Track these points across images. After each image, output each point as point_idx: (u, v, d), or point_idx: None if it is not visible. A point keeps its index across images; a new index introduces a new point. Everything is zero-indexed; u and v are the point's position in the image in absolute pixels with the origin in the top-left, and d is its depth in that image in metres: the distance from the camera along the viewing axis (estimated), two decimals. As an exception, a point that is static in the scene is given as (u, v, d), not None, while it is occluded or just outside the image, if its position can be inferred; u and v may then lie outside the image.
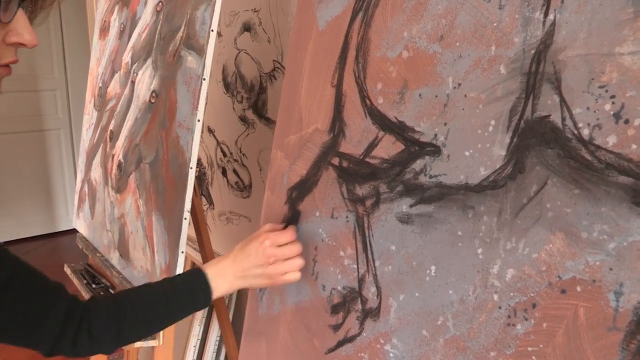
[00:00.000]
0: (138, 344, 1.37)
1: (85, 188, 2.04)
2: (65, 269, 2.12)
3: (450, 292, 0.77)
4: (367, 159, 0.89)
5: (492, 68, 0.71)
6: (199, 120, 1.24)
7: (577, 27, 0.62)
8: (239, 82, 1.98)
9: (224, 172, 2.13)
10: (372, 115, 0.88)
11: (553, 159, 0.64)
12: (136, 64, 1.63)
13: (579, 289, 0.61)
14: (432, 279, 0.79)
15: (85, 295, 1.90)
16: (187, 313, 0.98)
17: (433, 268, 0.79)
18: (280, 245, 0.99)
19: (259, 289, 1.16)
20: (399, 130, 0.84)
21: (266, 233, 1.00)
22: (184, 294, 0.95)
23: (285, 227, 1.04)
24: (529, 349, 0.66)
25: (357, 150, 0.91)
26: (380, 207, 0.87)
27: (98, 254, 1.85)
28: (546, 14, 0.65)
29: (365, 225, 0.90)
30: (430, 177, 0.79)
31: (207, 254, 1.71)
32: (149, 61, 1.54)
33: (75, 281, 2.03)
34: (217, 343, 2.12)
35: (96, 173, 1.92)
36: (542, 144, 0.65)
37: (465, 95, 0.74)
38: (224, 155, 2.12)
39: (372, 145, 0.88)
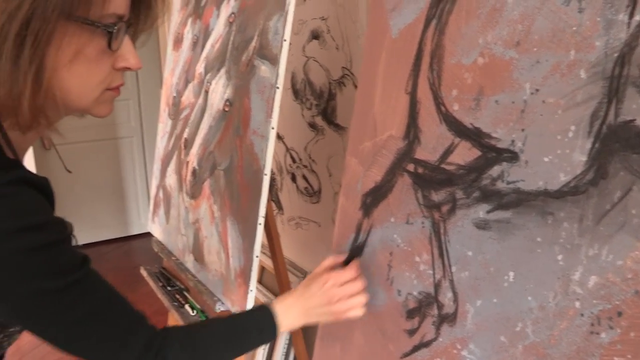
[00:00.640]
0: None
1: (160, 194, 2.11)
2: (141, 271, 2.20)
3: (529, 298, 0.76)
4: (442, 165, 0.89)
5: (571, 73, 0.71)
6: (273, 128, 1.27)
7: (663, 31, 0.61)
8: (307, 89, 2.01)
9: (294, 178, 2.17)
10: (448, 122, 0.89)
11: (639, 164, 0.63)
12: (209, 73, 1.69)
13: (667, 296, 0.60)
14: (510, 285, 0.79)
15: (161, 297, 1.96)
16: (254, 346, 1.01)
17: (511, 274, 0.79)
18: (343, 283, 1.02)
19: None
20: (475, 136, 0.84)
21: (328, 274, 1.03)
22: (252, 329, 0.98)
23: (347, 260, 1.08)
24: (615, 359, 0.65)
25: (432, 157, 0.92)
26: (456, 213, 0.87)
27: (173, 258, 1.92)
28: (631, 16, 0.64)
29: (442, 231, 0.90)
30: (508, 183, 0.79)
31: (278, 259, 1.74)
32: (222, 71, 1.59)
33: (151, 283, 2.10)
34: (286, 346, 2.15)
35: (171, 179, 1.98)
36: (626, 149, 0.64)
37: (544, 101, 0.74)
38: (293, 161, 2.15)
39: (448, 151, 0.88)
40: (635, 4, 0.64)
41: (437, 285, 0.92)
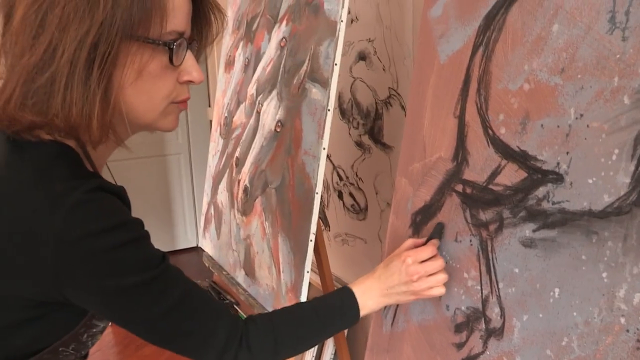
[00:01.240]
0: None
1: (212, 210, 2.19)
2: (192, 285, 2.27)
3: (574, 314, 0.80)
4: (490, 186, 0.94)
5: (615, 99, 0.75)
6: (324, 149, 1.32)
7: (702, 61, 0.65)
8: (354, 109, 2.06)
9: (340, 195, 2.22)
10: (495, 145, 0.93)
11: (679, 187, 0.66)
12: (261, 95, 1.76)
13: None
14: (556, 300, 0.82)
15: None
16: (336, 330, 1.01)
17: (557, 290, 0.82)
18: (422, 261, 1.00)
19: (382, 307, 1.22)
20: (521, 158, 0.88)
21: (407, 251, 1.02)
22: (334, 312, 0.99)
23: (426, 242, 1.05)
24: (659, 372, 0.68)
25: (480, 178, 0.96)
26: (503, 232, 0.91)
27: (224, 272, 1.98)
28: (670, 48, 0.68)
29: (489, 248, 0.94)
30: (553, 203, 0.82)
31: (325, 275, 1.78)
32: (274, 93, 1.66)
33: (203, 297, 2.17)
34: (332, 359, 2.19)
35: (222, 197, 2.05)
36: (667, 172, 0.68)
37: (588, 125, 0.78)
38: (340, 179, 2.20)
39: (495, 172, 0.93)
40: (675, 36, 0.68)
41: (484, 301, 0.95)
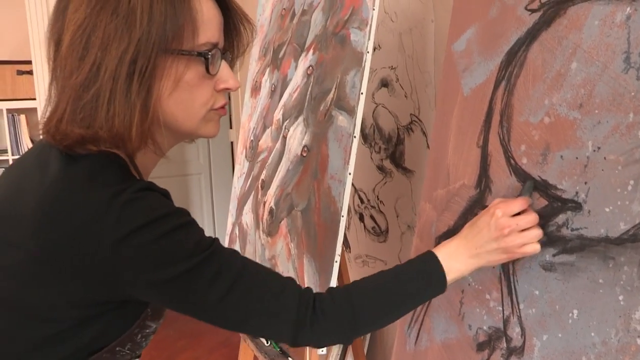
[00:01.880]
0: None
1: (236, 231, 2.25)
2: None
3: (592, 334, 0.85)
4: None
5: (630, 133, 0.80)
6: (350, 174, 1.38)
7: None
8: (377, 134, 2.13)
9: (361, 218, 2.28)
10: (517, 174, 0.99)
11: (689, 217, 0.72)
12: (287, 120, 1.82)
13: None
14: (574, 321, 0.87)
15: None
16: (421, 298, 0.96)
17: (575, 312, 0.87)
18: (513, 216, 0.93)
19: (406, 325, 1.27)
20: (542, 187, 0.94)
21: (496, 204, 0.94)
22: (416, 277, 0.93)
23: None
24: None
25: (502, 205, 1.01)
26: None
27: (248, 292, 2.04)
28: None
29: (510, 271, 0.99)
30: (572, 230, 0.88)
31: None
32: (300, 119, 1.72)
33: (226, 316, 2.23)
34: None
35: (247, 218, 2.12)
36: (679, 203, 0.73)
37: (605, 158, 0.84)
38: (362, 201, 2.26)
39: (517, 200, 0.98)
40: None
41: (506, 321, 1.00)
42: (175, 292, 0.78)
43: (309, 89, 1.71)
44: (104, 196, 0.73)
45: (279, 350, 1.85)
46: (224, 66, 0.86)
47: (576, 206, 0.88)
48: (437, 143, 1.22)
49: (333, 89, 1.54)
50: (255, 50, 2.32)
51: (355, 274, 2.33)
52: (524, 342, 0.97)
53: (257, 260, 1.96)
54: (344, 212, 1.41)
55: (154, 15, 0.75)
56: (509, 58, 1.03)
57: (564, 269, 0.89)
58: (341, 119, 1.46)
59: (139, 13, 0.74)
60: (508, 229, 0.91)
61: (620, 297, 0.81)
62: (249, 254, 2.07)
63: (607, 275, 0.83)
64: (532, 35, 0.98)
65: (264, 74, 2.16)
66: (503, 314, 1.01)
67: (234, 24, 0.89)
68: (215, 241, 0.82)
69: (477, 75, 1.11)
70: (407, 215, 1.96)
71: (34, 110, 4.25)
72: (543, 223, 0.93)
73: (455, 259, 0.94)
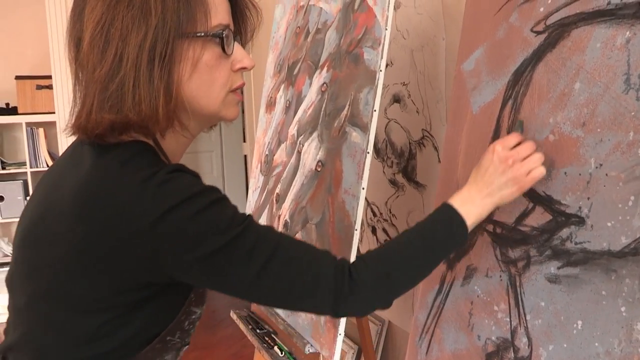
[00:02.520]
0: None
1: (251, 244, 2.29)
2: (231, 314, 2.37)
3: (596, 344, 0.88)
4: (518, 227, 1.03)
5: (630, 151, 0.84)
6: (363, 188, 1.43)
7: None
8: (389, 149, 2.17)
9: (374, 231, 2.31)
10: (523, 189, 1.03)
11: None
12: (302, 136, 1.87)
13: None
14: (579, 332, 0.91)
15: (251, 339, 2.12)
16: (447, 248, 0.96)
17: (579, 323, 0.91)
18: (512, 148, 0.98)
19: (417, 336, 1.31)
20: (547, 202, 0.97)
21: (494, 144, 0.99)
22: (438, 228, 0.94)
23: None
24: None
25: (509, 219, 1.05)
26: (530, 268, 1.00)
27: (263, 303, 2.08)
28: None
29: (517, 283, 1.03)
30: (576, 243, 0.92)
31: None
32: (315, 134, 1.77)
33: (241, 326, 2.27)
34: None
35: (262, 231, 2.16)
36: (675, 218, 0.77)
37: (607, 174, 0.87)
38: (374, 215, 2.30)
39: (523, 215, 1.02)
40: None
41: (513, 332, 1.04)
42: (213, 269, 0.79)
43: (323, 105, 1.75)
44: (137, 180, 0.76)
45: (293, 361, 1.89)
46: (237, 47, 0.90)
47: (579, 221, 0.91)
48: (447, 158, 1.26)
49: (347, 106, 1.58)
50: (270, 67, 2.38)
51: (368, 287, 2.36)
52: (530, 352, 1.00)
53: (272, 273, 2.00)
54: (358, 225, 1.45)
55: (167, 2, 0.79)
56: (516, 78, 1.07)
57: (569, 281, 0.93)
58: (355, 135, 1.51)
59: (152, 2, 0.79)
60: (511, 159, 0.96)
61: (623, 309, 0.84)
62: (263, 266, 2.11)
63: (609, 288, 0.86)
64: (537, 56, 1.02)
65: (279, 90, 2.21)
66: (511, 324, 1.05)
67: (240, 9, 0.94)
68: (249, 216, 0.83)
69: (485, 93, 1.15)
70: (419, 228, 2.00)
71: (52, 123, 4.33)
72: (548, 237, 0.97)
73: (471, 203, 0.96)
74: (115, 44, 0.79)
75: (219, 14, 0.86)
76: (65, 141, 3.44)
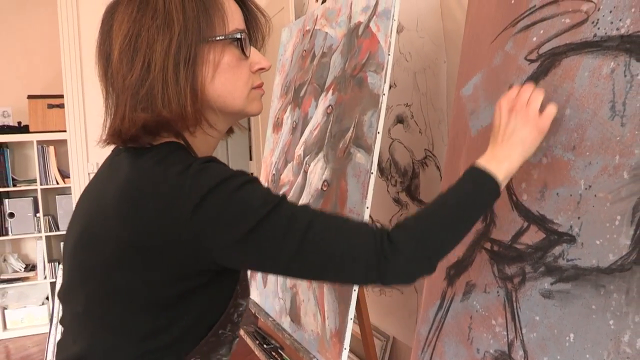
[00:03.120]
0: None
1: (259, 260, 2.34)
2: (239, 331, 2.42)
3: (587, 356, 0.93)
4: (514, 245, 1.09)
5: (617, 174, 0.90)
6: (367, 207, 1.48)
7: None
8: (393, 168, 2.23)
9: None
10: (518, 209, 1.08)
11: (665, 249, 0.81)
12: (308, 156, 1.93)
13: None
14: (571, 344, 0.96)
15: (258, 354, 2.17)
16: (481, 206, 0.96)
17: (572, 335, 0.96)
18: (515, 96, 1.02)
19: (420, 350, 1.36)
20: (540, 222, 1.03)
21: (498, 101, 1.04)
22: (469, 187, 0.95)
23: None
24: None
25: (505, 237, 1.11)
26: (526, 284, 1.06)
27: (270, 318, 2.13)
28: (657, 136, 0.83)
29: (514, 298, 1.08)
30: (568, 260, 0.97)
31: (365, 323, 1.91)
32: (321, 155, 1.83)
33: (249, 341, 2.32)
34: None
35: (269, 248, 2.21)
36: (657, 237, 0.82)
37: (595, 195, 0.93)
38: (379, 232, 2.35)
39: (519, 233, 1.08)
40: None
41: (510, 345, 1.09)
42: (254, 245, 0.81)
43: (329, 127, 1.82)
44: (174, 173, 0.82)
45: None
46: (253, 50, 0.97)
47: (571, 239, 0.97)
48: (447, 179, 1.32)
49: (351, 128, 1.65)
50: (277, 89, 2.44)
51: (372, 303, 2.41)
52: (526, 364, 1.05)
53: (279, 289, 2.06)
54: (362, 243, 1.50)
55: (187, 11, 0.87)
56: (511, 103, 1.13)
57: (561, 296, 0.98)
58: (359, 156, 1.57)
59: (174, 12, 0.87)
60: (517, 105, 1.00)
61: (611, 322, 0.89)
62: (270, 282, 2.17)
63: (599, 302, 0.91)
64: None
65: (286, 111, 2.28)
66: (507, 338, 1.10)
67: (252, 17, 1.01)
68: (283, 194, 0.88)
69: (483, 117, 1.21)
70: (422, 246, 2.04)
71: (62, 141, 4.40)
72: (542, 254, 1.02)
73: (495, 160, 0.97)
74: (143, 52, 0.86)
75: (235, 20, 0.93)
76: (76, 158, 3.52)
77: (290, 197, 2.03)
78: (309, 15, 2.22)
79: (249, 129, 4.58)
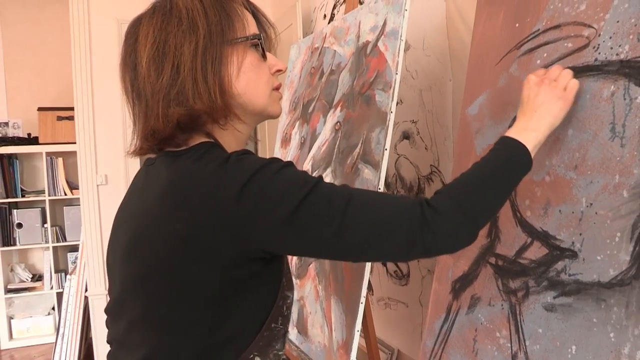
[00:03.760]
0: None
1: (266, 273, 2.38)
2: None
3: (588, 368, 0.97)
4: (518, 260, 1.12)
5: (617, 192, 0.94)
6: (375, 222, 1.52)
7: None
8: (398, 183, 2.26)
9: (384, 262, 2.40)
10: (522, 225, 1.12)
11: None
12: (316, 171, 1.97)
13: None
14: (573, 356, 0.99)
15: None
16: (514, 174, 0.97)
17: (574, 347, 0.99)
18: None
19: (427, 356, 1.39)
20: (544, 237, 1.07)
21: (527, 77, 1.08)
22: (501, 156, 0.97)
23: None
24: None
25: (510, 252, 1.15)
26: (529, 298, 1.09)
27: (277, 331, 2.16)
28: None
29: (517, 312, 1.12)
30: (570, 275, 1.01)
31: (370, 336, 1.94)
32: (329, 170, 1.87)
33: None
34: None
35: (277, 260, 2.25)
36: (655, 253, 0.86)
37: (596, 213, 0.97)
38: (384, 246, 2.38)
39: (522, 248, 1.12)
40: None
41: (514, 356, 1.12)
42: (298, 226, 0.84)
43: (337, 143, 1.86)
44: (214, 166, 0.87)
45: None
46: (269, 54, 1.03)
47: (573, 254, 1.01)
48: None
49: (359, 144, 1.69)
50: (285, 104, 2.49)
51: (377, 317, 2.44)
52: (530, 375, 1.09)
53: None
54: (369, 256, 1.53)
55: (210, 17, 0.94)
56: (516, 123, 1.17)
57: (563, 309, 1.02)
58: (367, 172, 1.61)
59: (198, 18, 0.93)
60: (546, 80, 1.04)
61: (612, 335, 0.93)
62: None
63: (600, 315, 0.95)
64: (535, 104, 1.12)
65: (294, 127, 2.32)
66: (511, 350, 1.13)
67: (262, 28, 1.06)
68: (320, 176, 0.91)
69: (488, 136, 1.25)
70: (427, 260, 2.07)
71: (71, 153, 4.46)
72: (545, 269, 1.06)
73: (524, 130, 1.00)
74: (171, 56, 0.92)
75: (252, 25, 1.00)
76: (85, 170, 3.56)
77: (298, 210, 2.06)
78: (318, 33, 2.27)
79: (255, 142, 4.63)
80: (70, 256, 4.79)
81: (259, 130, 4.41)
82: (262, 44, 0.99)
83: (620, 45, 0.96)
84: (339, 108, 1.90)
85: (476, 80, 1.34)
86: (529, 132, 1.00)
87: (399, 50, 1.56)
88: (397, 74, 1.55)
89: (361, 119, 1.72)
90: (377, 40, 1.71)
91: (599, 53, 1.00)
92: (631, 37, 0.94)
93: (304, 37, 2.77)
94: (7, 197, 4.65)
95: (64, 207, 4.79)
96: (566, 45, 1.08)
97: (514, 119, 1.14)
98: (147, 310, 0.92)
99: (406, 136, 2.23)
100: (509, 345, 1.14)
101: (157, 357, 0.93)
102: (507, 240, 1.16)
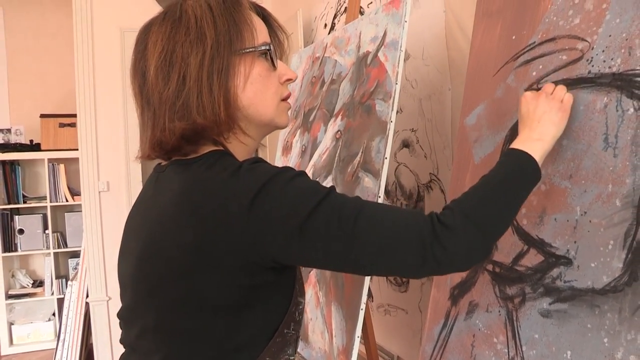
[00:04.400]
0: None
1: (267, 279, 2.39)
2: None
3: (583, 372, 0.99)
4: (515, 267, 1.15)
5: (610, 201, 0.97)
6: (375, 229, 1.54)
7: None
8: (398, 191, 2.29)
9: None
10: (519, 233, 1.15)
11: (653, 272, 0.87)
12: (317, 179, 1.99)
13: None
14: (568, 361, 1.02)
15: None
16: (523, 186, 0.97)
17: (569, 352, 1.02)
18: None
19: (425, 367, 1.41)
20: (539, 245, 1.10)
21: (522, 96, 1.10)
22: (511, 171, 0.96)
23: None
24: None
25: (506, 260, 1.17)
26: (525, 304, 1.12)
27: (278, 337, 2.18)
28: (646, 168, 0.90)
29: (514, 318, 1.14)
30: (565, 282, 1.03)
31: (370, 342, 1.95)
32: (329, 178, 1.89)
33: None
34: None
35: (278, 267, 2.26)
36: (646, 261, 0.89)
37: (590, 221, 1.00)
38: (384, 253, 2.40)
39: (519, 256, 1.14)
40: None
41: (511, 361, 1.15)
42: (309, 237, 0.83)
43: (338, 151, 1.88)
44: (226, 174, 0.86)
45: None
46: (280, 62, 1.02)
47: (567, 262, 1.03)
48: (451, 204, 1.38)
49: (360, 153, 1.71)
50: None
51: (377, 323, 2.46)
52: (526, 380, 1.11)
53: (287, 307, 2.11)
54: (369, 263, 1.55)
55: (218, 26, 0.93)
56: (512, 133, 1.20)
57: (559, 315, 1.04)
58: (367, 180, 1.63)
59: (206, 28, 0.92)
60: (542, 94, 1.07)
61: (605, 340, 0.95)
62: (279, 301, 2.22)
63: (594, 321, 0.97)
64: (531, 114, 1.15)
65: (295, 135, 2.34)
66: (508, 355, 1.15)
67: (274, 33, 1.06)
68: (332, 186, 0.88)
69: (486, 146, 1.28)
70: (427, 267, 2.09)
71: (73, 160, 4.49)
72: (541, 276, 1.08)
73: (529, 141, 1.01)
74: (178, 66, 0.92)
75: (262, 33, 0.99)
76: (87, 176, 3.59)
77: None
78: (319, 43, 2.30)
79: (256, 150, 4.65)
80: (71, 262, 4.81)
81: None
82: (271, 53, 0.98)
83: (612, 59, 0.99)
84: (339, 117, 1.93)
85: (474, 90, 1.37)
86: (534, 142, 1.01)
87: (399, 60, 1.58)
88: (397, 84, 1.58)
89: (361, 128, 1.74)
90: (378, 50, 1.74)
91: (592, 66, 1.03)
92: (623, 50, 0.97)
93: (304, 46, 2.80)
94: (9, 203, 4.68)
95: (65, 213, 4.81)
96: (561, 58, 1.11)
97: (511, 128, 1.17)
98: (160, 318, 0.92)
99: (406, 144, 2.25)
100: (506, 350, 1.16)
101: None
102: (504, 247, 1.18)
